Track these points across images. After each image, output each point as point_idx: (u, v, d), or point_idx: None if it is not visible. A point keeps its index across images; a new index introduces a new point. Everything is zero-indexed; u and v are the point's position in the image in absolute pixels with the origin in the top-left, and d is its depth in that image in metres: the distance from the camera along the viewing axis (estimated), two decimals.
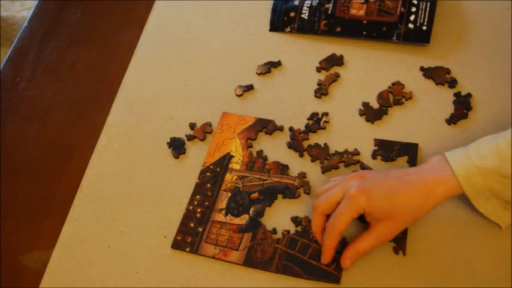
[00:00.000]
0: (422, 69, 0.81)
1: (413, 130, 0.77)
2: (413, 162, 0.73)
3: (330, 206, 0.67)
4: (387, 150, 0.75)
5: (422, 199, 0.65)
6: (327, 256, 0.67)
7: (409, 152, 0.74)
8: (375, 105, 0.79)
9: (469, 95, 0.78)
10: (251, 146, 0.78)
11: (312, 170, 0.75)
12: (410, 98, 0.79)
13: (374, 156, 0.75)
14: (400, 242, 0.68)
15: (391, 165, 0.74)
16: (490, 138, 0.65)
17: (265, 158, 0.77)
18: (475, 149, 0.65)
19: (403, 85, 0.80)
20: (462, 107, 0.77)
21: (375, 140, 0.76)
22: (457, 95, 0.78)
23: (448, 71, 0.80)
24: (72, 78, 0.91)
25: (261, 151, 0.78)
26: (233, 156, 0.78)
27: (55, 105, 0.89)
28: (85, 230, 0.75)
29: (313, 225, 0.68)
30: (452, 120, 0.76)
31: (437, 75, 0.80)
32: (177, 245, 0.72)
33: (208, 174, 0.77)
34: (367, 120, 0.78)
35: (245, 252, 0.70)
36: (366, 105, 0.79)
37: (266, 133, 0.79)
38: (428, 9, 0.85)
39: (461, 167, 0.64)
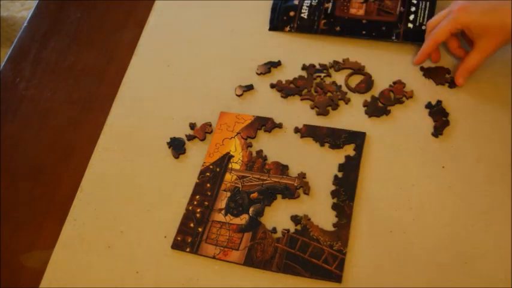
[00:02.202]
0: (422, 69, 0.81)
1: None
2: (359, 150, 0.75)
3: (438, 22, 0.77)
4: (335, 137, 0.77)
5: None
6: (419, 58, 0.80)
7: (356, 140, 0.76)
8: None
9: (439, 102, 0.78)
10: (251, 146, 0.78)
11: (312, 169, 0.75)
12: (411, 97, 0.79)
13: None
14: None
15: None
16: None
17: (264, 158, 0.77)
18: None
19: (404, 84, 0.80)
20: (440, 115, 0.77)
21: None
22: (429, 105, 0.78)
23: (448, 71, 0.80)
24: (72, 78, 0.91)
25: (261, 151, 0.78)
26: (233, 156, 0.78)
27: (55, 105, 0.89)
28: (85, 230, 0.75)
29: (426, 35, 0.80)
30: (437, 132, 0.75)
31: (437, 75, 0.80)
32: (177, 246, 0.72)
33: (208, 174, 0.77)
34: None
35: (245, 251, 0.70)
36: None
37: (265, 131, 0.79)
38: (427, 8, 0.85)
39: None
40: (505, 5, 0.72)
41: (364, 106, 0.79)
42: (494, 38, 0.74)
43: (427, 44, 0.78)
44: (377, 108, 0.79)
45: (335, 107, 0.80)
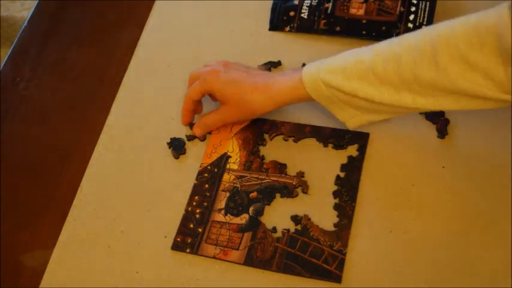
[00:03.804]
0: None
1: None
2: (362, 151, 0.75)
3: (197, 76, 0.78)
4: (338, 138, 0.77)
5: (260, 95, 0.73)
6: (183, 117, 0.81)
7: (359, 141, 0.76)
8: None
9: None
10: (257, 152, 0.78)
11: (311, 169, 0.75)
12: None
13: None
14: None
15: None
16: (349, 53, 0.69)
17: (262, 158, 0.77)
18: (328, 62, 0.70)
19: None
20: (437, 117, 0.76)
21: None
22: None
23: None
24: (72, 78, 0.91)
25: (258, 150, 0.78)
26: (230, 157, 0.78)
27: (55, 105, 0.89)
28: (85, 230, 0.75)
29: (187, 85, 0.80)
30: (443, 134, 0.75)
31: None
32: (177, 247, 0.72)
33: (206, 175, 0.77)
34: None
35: (245, 251, 0.70)
36: None
37: (264, 133, 0.79)
38: (427, 8, 0.85)
39: (309, 76, 0.70)
40: (248, 81, 0.74)
41: None
42: (231, 110, 0.76)
43: (185, 103, 0.80)
44: None
45: None
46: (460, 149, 0.74)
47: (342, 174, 0.74)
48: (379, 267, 0.67)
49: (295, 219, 0.72)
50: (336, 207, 0.72)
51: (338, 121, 0.76)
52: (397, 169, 0.73)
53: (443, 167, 0.73)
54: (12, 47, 0.96)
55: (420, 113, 0.77)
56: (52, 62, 0.93)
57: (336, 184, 0.73)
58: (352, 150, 0.75)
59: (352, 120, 0.73)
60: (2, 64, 0.94)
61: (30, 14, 1.00)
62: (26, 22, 0.99)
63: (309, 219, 0.71)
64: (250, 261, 0.69)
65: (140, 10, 0.96)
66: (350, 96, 0.69)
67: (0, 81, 0.92)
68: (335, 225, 0.70)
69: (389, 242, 0.69)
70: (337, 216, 0.71)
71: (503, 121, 0.75)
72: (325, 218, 0.71)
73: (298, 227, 0.71)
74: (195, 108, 0.80)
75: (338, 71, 0.68)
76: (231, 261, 0.70)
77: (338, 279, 0.67)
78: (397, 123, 0.77)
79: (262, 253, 0.70)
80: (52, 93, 0.90)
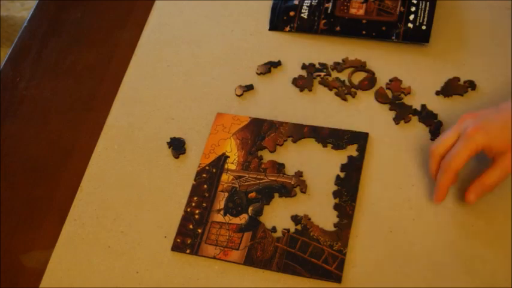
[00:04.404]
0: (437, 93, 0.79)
1: None
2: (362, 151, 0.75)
3: (447, 149, 0.67)
4: (337, 138, 0.76)
5: None
6: (440, 195, 0.68)
7: (358, 141, 0.76)
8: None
9: (424, 106, 0.78)
10: (261, 158, 0.77)
11: (311, 169, 0.75)
12: (409, 93, 0.79)
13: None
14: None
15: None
16: None
17: (260, 158, 0.77)
18: None
19: (401, 80, 0.80)
20: (430, 119, 0.76)
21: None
22: (416, 112, 0.77)
23: (458, 79, 0.79)
24: (72, 78, 0.91)
25: (256, 151, 0.78)
26: (228, 157, 0.78)
27: (55, 105, 0.89)
28: (85, 230, 0.75)
29: (430, 168, 0.69)
30: (435, 136, 0.75)
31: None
32: (177, 247, 0.72)
33: (204, 175, 0.77)
34: None
35: (245, 251, 0.70)
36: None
37: (263, 133, 0.79)
38: (427, 8, 0.85)
39: None
40: (508, 119, 0.65)
41: None
42: None
43: (445, 177, 0.67)
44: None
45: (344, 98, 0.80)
46: None
47: (342, 174, 0.74)
48: (379, 267, 0.67)
49: (295, 219, 0.72)
50: (336, 207, 0.72)
51: (337, 121, 0.76)
52: (396, 169, 0.74)
53: None
54: (12, 47, 0.96)
55: (413, 114, 0.77)
56: (52, 62, 0.93)
57: (336, 184, 0.73)
58: (352, 150, 0.75)
59: None
60: (2, 64, 0.94)
61: (30, 14, 1.00)
62: (26, 22, 0.99)
63: (309, 219, 0.71)
64: (250, 261, 0.69)
65: (140, 10, 0.96)
66: None
67: (0, 81, 0.92)
68: (335, 225, 0.70)
69: (389, 242, 0.69)
70: (337, 216, 0.71)
71: None
72: (325, 218, 0.71)
73: (298, 227, 0.71)
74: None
75: None
76: (231, 261, 0.70)
77: (338, 279, 0.67)
78: (393, 124, 0.77)
79: (262, 253, 0.70)
80: (52, 93, 0.90)
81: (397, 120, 0.77)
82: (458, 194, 0.70)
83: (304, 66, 0.84)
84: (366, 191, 0.72)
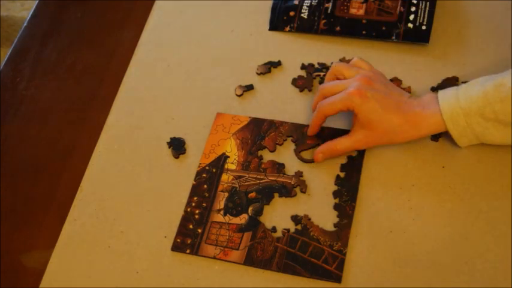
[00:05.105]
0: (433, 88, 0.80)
1: None
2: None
3: (331, 93, 0.73)
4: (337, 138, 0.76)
5: (406, 127, 0.70)
6: (311, 130, 0.76)
7: None
8: None
9: None
10: (261, 158, 0.77)
11: (311, 169, 0.75)
12: (409, 93, 0.79)
13: None
14: None
15: None
16: (482, 80, 0.69)
17: (260, 158, 0.77)
18: (464, 90, 0.68)
19: (401, 80, 0.80)
20: None
21: None
22: None
23: (456, 79, 0.79)
24: (72, 78, 0.91)
25: (256, 150, 0.78)
26: (228, 157, 0.78)
27: (55, 105, 0.89)
28: (85, 230, 0.75)
29: (312, 103, 0.77)
30: (436, 136, 0.75)
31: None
32: (177, 248, 0.72)
33: (204, 175, 0.77)
34: None
35: (245, 251, 0.70)
36: None
37: (263, 133, 0.79)
38: (428, 8, 0.85)
39: (448, 106, 0.68)
40: (394, 109, 0.70)
41: None
42: (372, 135, 0.72)
43: (317, 117, 0.74)
44: None
45: None
46: (460, 149, 0.74)
47: (341, 174, 0.74)
48: (379, 267, 0.67)
49: (295, 219, 0.72)
50: (336, 207, 0.72)
51: (336, 120, 0.76)
52: (396, 169, 0.74)
53: (443, 167, 0.73)
54: (12, 47, 0.96)
55: None
56: (52, 62, 0.93)
57: (335, 184, 0.73)
58: None
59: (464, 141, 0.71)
60: (2, 64, 0.94)
61: (30, 14, 1.00)
62: (26, 22, 0.99)
63: (309, 219, 0.71)
64: (250, 261, 0.69)
65: (140, 10, 0.96)
66: (487, 121, 0.67)
67: (0, 81, 0.92)
68: (335, 225, 0.70)
69: (389, 242, 0.69)
70: (337, 216, 0.71)
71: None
72: (325, 218, 0.71)
73: (298, 227, 0.71)
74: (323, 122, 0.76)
75: (478, 97, 0.66)
76: (231, 261, 0.70)
77: (338, 279, 0.67)
78: None
79: (262, 253, 0.70)
80: (52, 93, 0.90)
81: None
82: (458, 194, 0.70)
83: (303, 67, 0.84)
84: (366, 191, 0.72)
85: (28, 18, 0.99)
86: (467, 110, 0.67)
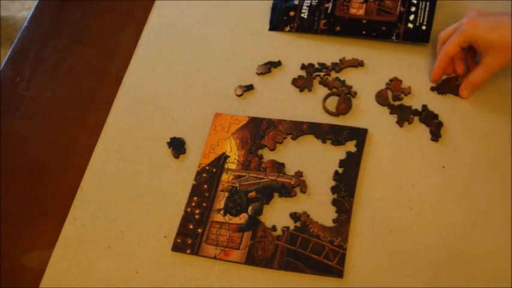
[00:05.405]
0: (432, 88, 0.80)
1: None
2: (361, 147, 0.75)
3: (448, 34, 0.77)
4: (337, 134, 0.77)
5: None
6: (435, 74, 0.79)
7: (357, 137, 0.76)
8: None
9: (425, 107, 0.78)
10: (261, 157, 0.77)
11: (311, 166, 0.75)
12: (410, 93, 0.79)
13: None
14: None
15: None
16: None
17: (260, 157, 0.77)
18: None
19: (401, 80, 0.80)
20: (430, 119, 0.76)
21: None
22: (416, 112, 0.77)
23: (455, 79, 0.79)
24: (72, 78, 0.91)
25: (256, 150, 0.78)
26: (228, 156, 0.78)
27: (55, 105, 0.89)
28: (85, 230, 0.75)
29: (436, 50, 0.79)
30: (436, 136, 0.75)
31: (447, 85, 0.79)
32: (177, 248, 0.72)
33: (204, 175, 0.77)
34: None
35: (246, 250, 0.70)
36: None
37: (262, 132, 0.79)
38: (428, 8, 0.85)
39: None
40: (509, 21, 0.71)
41: None
42: (499, 55, 0.73)
43: (440, 59, 0.77)
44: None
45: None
46: (460, 149, 0.74)
47: (340, 170, 0.74)
48: (378, 268, 0.67)
49: (294, 216, 0.72)
50: (335, 202, 0.72)
51: (337, 121, 0.76)
52: (396, 169, 0.74)
53: (443, 167, 0.73)
54: (12, 47, 0.96)
55: (414, 115, 0.77)
56: (52, 62, 0.93)
57: (334, 180, 0.73)
58: (351, 146, 0.76)
59: None
60: (2, 64, 0.94)
61: (30, 14, 1.00)
62: (26, 22, 0.99)
63: (308, 216, 0.71)
64: (251, 260, 0.69)
65: (140, 10, 0.96)
66: None
67: (0, 81, 0.92)
68: (334, 220, 0.70)
69: (389, 241, 0.69)
70: (336, 212, 0.71)
71: (501, 122, 0.75)
72: (324, 214, 0.71)
73: (298, 224, 0.71)
74: (448, 66, 0.78)
75: None
76: (232, 261, 0.70)
77: (340, 274, 0.67)
78: (395, 118, 0.77)
79: (263, 252, 0.70)
80: (52, 93, 0.90)
81: (400, 122, 0.77)
82: (458, 194, 0.71)
83: (303, 67, 0.84)
84: (365, 189, 0.72)
85: (28, 18, 0.99)
86: None
